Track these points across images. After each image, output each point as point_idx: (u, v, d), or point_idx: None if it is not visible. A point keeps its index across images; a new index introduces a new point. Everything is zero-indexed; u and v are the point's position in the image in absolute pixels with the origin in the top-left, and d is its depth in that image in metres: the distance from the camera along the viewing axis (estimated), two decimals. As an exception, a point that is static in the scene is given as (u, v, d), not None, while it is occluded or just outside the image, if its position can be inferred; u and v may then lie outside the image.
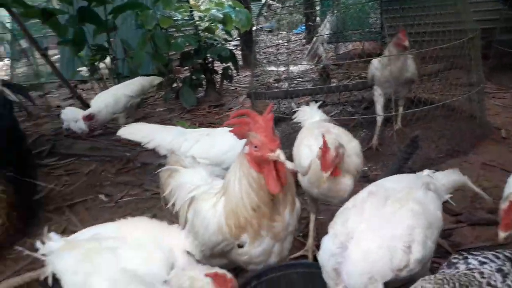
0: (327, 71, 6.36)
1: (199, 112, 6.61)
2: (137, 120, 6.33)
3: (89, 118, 5.08)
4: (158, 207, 3.49)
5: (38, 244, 1.97)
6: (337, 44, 8.10)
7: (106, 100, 5.36)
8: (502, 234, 1.88)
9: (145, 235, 1.68)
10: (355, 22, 7.46)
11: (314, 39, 7.12)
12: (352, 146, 2.53)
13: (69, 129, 5.68)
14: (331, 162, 2.14)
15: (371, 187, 1.98)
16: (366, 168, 3.97)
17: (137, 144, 5.11)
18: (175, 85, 7.46)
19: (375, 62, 4.27)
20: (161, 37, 6.07)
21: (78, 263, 1.62)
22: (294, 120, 3.23)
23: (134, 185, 4.17)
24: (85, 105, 7.15)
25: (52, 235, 1.93)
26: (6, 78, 10.06)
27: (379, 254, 1.65)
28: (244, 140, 1.83)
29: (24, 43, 9.24)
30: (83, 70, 8.26)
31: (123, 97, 5.56)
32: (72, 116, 5.53)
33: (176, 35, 6.91)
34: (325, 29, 7.08)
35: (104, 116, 5.36)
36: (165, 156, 4.47)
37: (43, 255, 1.91)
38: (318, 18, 9.48)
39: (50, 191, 4.12)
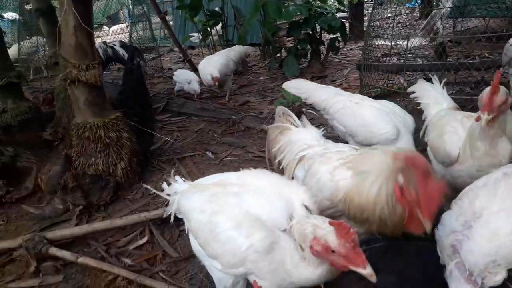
0: (444, 47, 5.88)
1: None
2: (241, 86, 6.57)
3: (216, 79, 5.57)
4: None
5: (163, 185, 2.17)
6: (456, 20, 7.40)
7: (220, 60, 5.70)
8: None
9: (267, 185, 1.74)
10: (481, -5, 6.72)
11: (433, 12, 6.56)
12: None
13: (180, 90, 6.10)
14: (496, 105, 1.90)
15: (506, 168, 1.80)
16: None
17: (242, 109, 5.38)
18: (278, 54, 7.52)
19: None
20: (273, 4, 6.10)
21: (205, 203, 1.74)
22: (412, 96, 2.94)
23: (238, 147, 4.35)
24: (194, 69, 7.57)
25: (178, 178, 2.10)
26: (125, 40, 11.01)
27: (509, 239, 1.54)
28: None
29: (142, 8, 9.93)
30: (194, 35, 8.71)
31: (231, 61, 5.85)
32: (185, 78, 5.92)
33: (286, 4, 6.90)
34: (447, 2, 6.48)
35: (222, 77, 5.69)
36: (268, 121, 4.62)
37: (168, 194, 2.09)
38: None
39: (164, 143, 4.48)
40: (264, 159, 4.00)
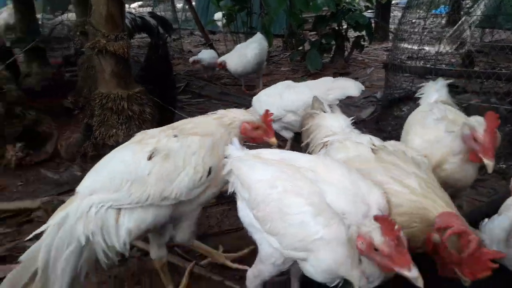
0: (471, 56, 5.79)
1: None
2: (263, 75, 6.54)
3: None
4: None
5: None
6: (484, 31, 7.27)
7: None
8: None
9: (344, 180, 1.59)
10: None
11: (462, 19, 6.46)
12: None
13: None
14: (495, 146, 1.81)
15: None
16: (503, 165, 3.63)
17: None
18: (301, 47, 7.45)
19: None
20: (302, -5, 6.02)
21: (276, 179, 1.62)
22: (416, 95, 2.90)
23: (259, 134, 4.31)
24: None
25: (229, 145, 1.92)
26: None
27: None
28: None
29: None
30: (219, 20, 8.66)
31: None
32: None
33: (314, -3, 6.82)
34: (477, 11, 6.37)
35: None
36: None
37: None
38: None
39: (182, 123, 4.46)
40: (283, 148, 3.98)
